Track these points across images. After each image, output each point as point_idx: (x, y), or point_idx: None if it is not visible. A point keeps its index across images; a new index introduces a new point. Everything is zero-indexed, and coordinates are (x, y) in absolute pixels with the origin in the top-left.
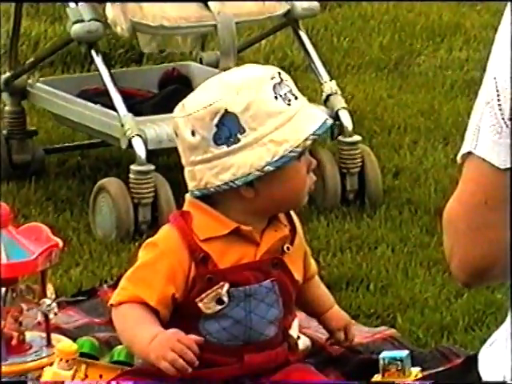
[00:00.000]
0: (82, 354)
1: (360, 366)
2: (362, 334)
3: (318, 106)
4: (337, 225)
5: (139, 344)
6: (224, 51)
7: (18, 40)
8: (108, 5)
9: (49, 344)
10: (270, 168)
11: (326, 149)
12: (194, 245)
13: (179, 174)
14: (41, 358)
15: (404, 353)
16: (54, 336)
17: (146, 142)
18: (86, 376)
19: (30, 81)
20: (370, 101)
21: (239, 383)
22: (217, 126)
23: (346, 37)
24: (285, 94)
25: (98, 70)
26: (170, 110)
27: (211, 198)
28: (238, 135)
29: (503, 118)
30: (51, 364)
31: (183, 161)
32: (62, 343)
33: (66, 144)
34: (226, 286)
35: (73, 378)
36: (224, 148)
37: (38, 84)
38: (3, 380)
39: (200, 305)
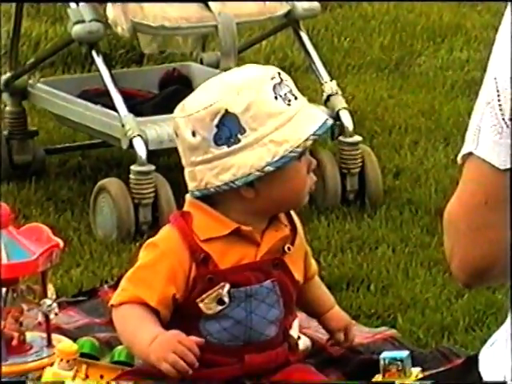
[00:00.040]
0: (83, 355)
1: (360, 366)
2: (362, 334)
3: (319, 106)
4: (337, 225)
5: (139, 345)
6: (225, 52)
7: (18, 40)
8: (109, 5)
9: (49, 344)
10: (271, 168)
11: (326, 149)
12: (194, 245)
13: (180, 174)
14: (41, 359)
15: (404, 353)
16: (55, 336)
17: (146, 143)
18: (87, 376)
19: (30, 81)
20: (371, 101)
21: (240, 383)
22: (217, 126)
23: (346, 37)
24: (285, 95)
25: (98, 71)
26: (171, 111)
27: (211, 198)
28: (239, 135)
29: (504, 119)
30: (52, 364)
31: (183, 161)
32: (63, 343)
33: (67, 144)
34: (227, 286)
35: (73, 378)
36: (224, 148)
37: (39, 84)
38: (3, 380)
39: (201, 305)
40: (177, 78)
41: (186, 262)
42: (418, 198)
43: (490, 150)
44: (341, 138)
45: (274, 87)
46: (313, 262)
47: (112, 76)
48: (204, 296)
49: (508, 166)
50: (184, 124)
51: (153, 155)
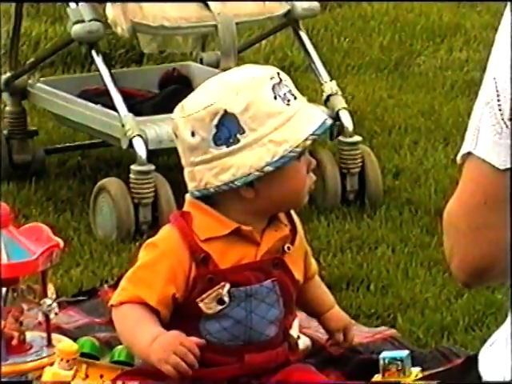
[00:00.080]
0: (83, 354)
1: (360, 366)
2: (362, 334)
3: (319, 106)
4: (337, 225)
5: (139, 344)
6: (224, 51)
7: (18, 40)
8: (108, 5)
9: (49, 344)
10: (270, 168)
11: (326, 149)
12: (194, 245)
13: (179, 174)
14: (41, 358)
15: (404, 353)
16: (55, 336)
17: (146, 142)
18: (87, 376)
19: (30, 81)
20: (371, 101)
21: (240, 383)
22: (216, 126)
23: (346, 37)
24: (284, 94)
25: (98, 70)
26: (171, 110)
27: (211, 198)
28: (238, 136)
29: (503, 119)
30: (52, 364)
31: (183, 161)
32: (63, 343)
33: (67, 144)
34: (227, 286)
35: (73, 378)
36: (224, 148)
37: (39, 84)
38: (3, 380)
39: (201, 305)
40: (176, 78)
41: (185, 262)
42: (418, 198)
43: (490, 150)
44: (341, 138)
45: (274, 87)
46: (313, 262)
47: (112, 76)
48: (204, 296)
49: (508, 166)
50: (183, 124)
51: (152, 155)
